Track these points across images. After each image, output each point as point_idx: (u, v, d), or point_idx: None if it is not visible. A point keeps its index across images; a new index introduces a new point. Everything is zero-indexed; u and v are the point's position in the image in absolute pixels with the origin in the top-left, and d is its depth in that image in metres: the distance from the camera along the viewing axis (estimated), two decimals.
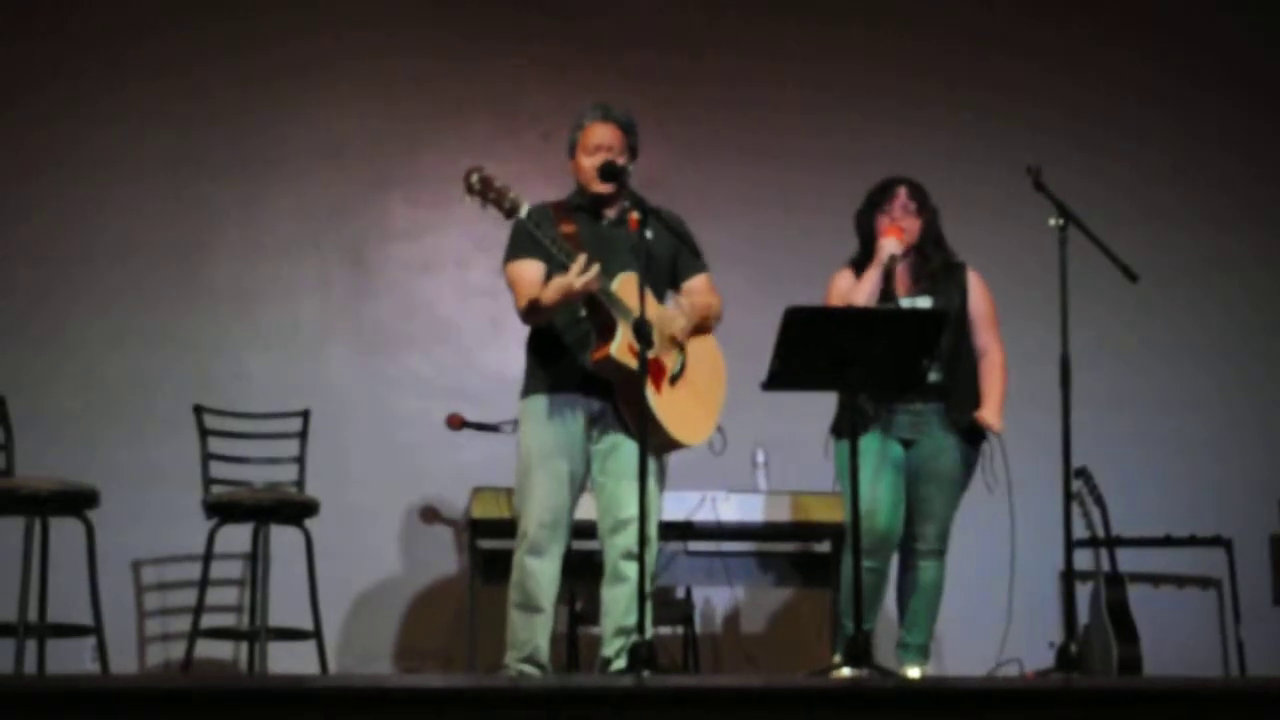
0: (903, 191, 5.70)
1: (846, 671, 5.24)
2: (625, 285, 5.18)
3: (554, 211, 5.37)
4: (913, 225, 5.68)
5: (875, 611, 5.66)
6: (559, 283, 5.11)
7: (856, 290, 5.60)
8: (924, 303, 5.66)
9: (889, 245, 5.61)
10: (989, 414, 5.65)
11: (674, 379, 5.32)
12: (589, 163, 5.32)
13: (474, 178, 5.11)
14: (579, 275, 5.06)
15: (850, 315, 5.40)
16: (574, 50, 7.49)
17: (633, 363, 5.06)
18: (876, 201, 5.72)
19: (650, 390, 5.14)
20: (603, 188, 5.32)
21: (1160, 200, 7.72)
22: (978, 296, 5.74)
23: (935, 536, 5.69)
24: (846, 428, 5.43)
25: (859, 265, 5.72)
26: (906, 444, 5.63)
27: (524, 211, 5.12)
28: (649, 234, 5.12)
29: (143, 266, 7.13)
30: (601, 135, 5.34)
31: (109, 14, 7.26)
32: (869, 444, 5.50)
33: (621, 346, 5.13)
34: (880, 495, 5.53)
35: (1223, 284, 7.75)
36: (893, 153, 6.99)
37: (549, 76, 7.41)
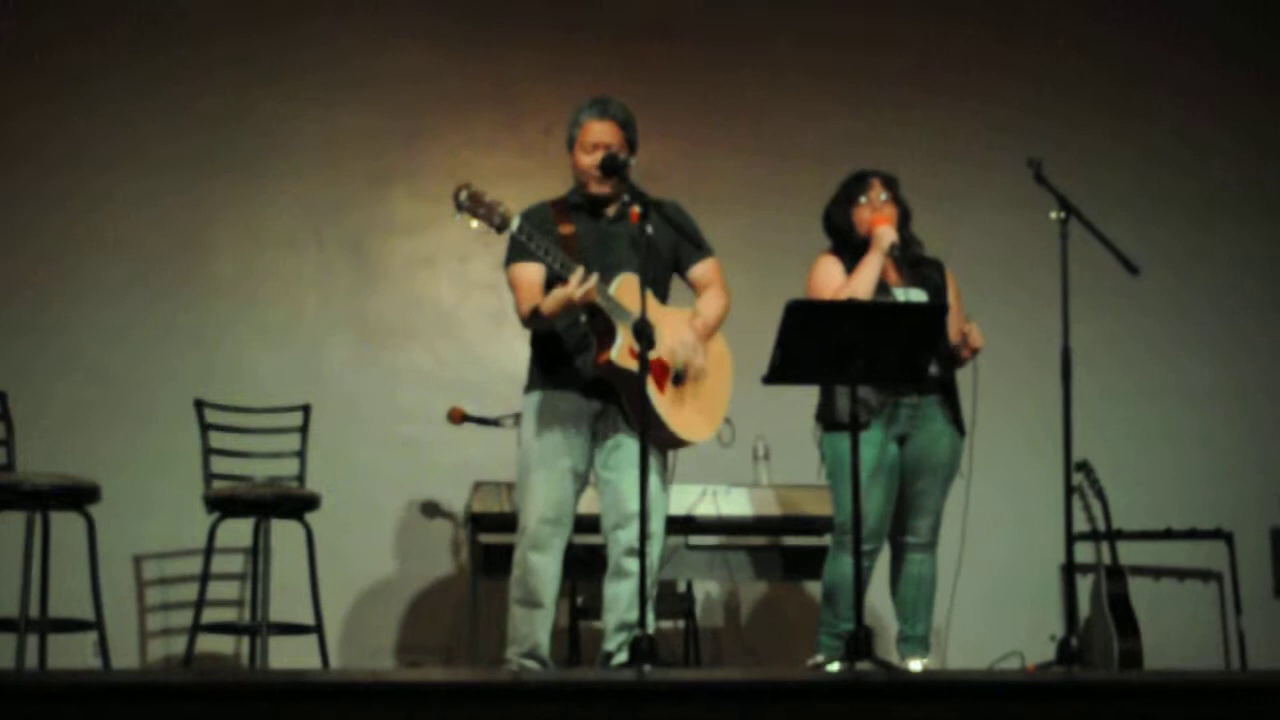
0: (877, 182, 5.70)
1: (835, 667, 5.24)
2: (624, 287, 5.18)
3: (552, 211, 5.36)
4: (893, 213, 5.67)
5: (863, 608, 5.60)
6: (558, 294, 5.10)
7: (858, 280, 5.55)
8: (917, 294, 5.65)
9: (888, 234, 5.59)
10: (968, 326, 5.62)
11: (678, 377, 5.32)
12: (588, 161, 5.31)
13: (463, 194, 5.05)
14: (578, 286, 5.05)
15: (851, 309, 5.38)
16: (575, 44, 7.49)
17: (634, 365, 5.06)
18: (852, 193, 5.71)
19: (653, 390, 5.14)
20: (601, 187, 5.31)
21: (1162, 193, 7.72)
22: (953, 295, 5.73)
23: (928, 529, 5.67)
24: (845, 419, 5.41)
25: (840, 255, 5.70)
26: (901, 439, 5.61)
27: (515, 224, 5.09)
28: (649, 229, 5.11)
29: (144, 261, 7.13)
30: (599, 133, 5.32)
31: (110, 8, 7.25)
32: (869, 441, 5.47)
33: (622, 350, 5.13)
34: (874, 494, 5.50)
35: (1225, 277, 7.75)
36: (894, 145, 7.02)
37: (550, 70, 7.40)
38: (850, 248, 5.67)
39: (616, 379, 5.19)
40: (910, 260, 5.70)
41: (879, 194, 5.68)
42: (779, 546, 6.88)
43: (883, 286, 5.60)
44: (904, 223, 5.71)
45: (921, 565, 5.68)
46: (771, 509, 6.51)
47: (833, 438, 5.59)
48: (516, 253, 5.27)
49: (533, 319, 5.24)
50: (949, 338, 5.61)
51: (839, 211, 5.73)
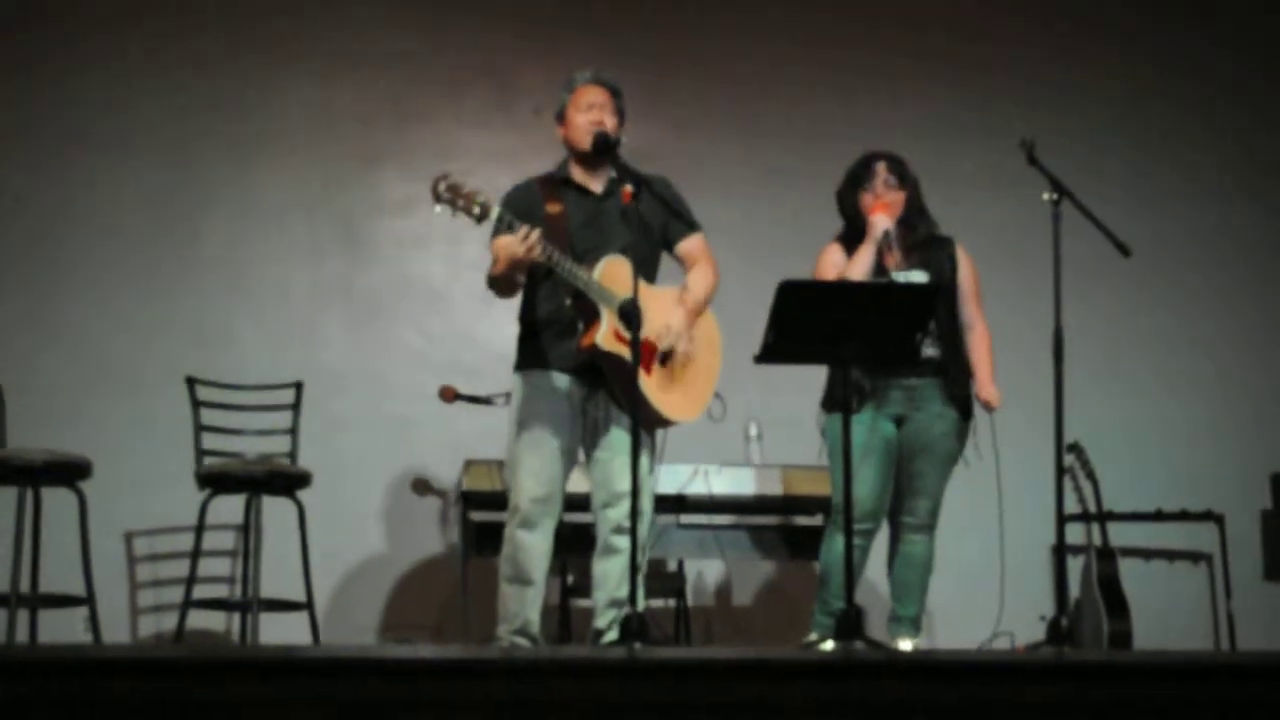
0: (882, 166, 5.71)
1: (829, 645, 5.25)
2: (609, 270, 5.16)
3: (540, 188, 5.33)
4: (897, 199, 5.69)
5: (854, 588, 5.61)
6: (503, 251, 5.09)
7: (851, 267, 5.61)
8: (917, 275, 5.67)
9: (881, 222, 5.62)
10: (989, 392, 5.66)
11: (665, 358, 5.30)
12: (584, 119, 5.30)
13: (441, 186, 5.02)
14: (522, 243, 5.01)
15: (843, 290, 5.40)
16: (566, 24, 7.48)
17: (619, 349, 5.06)
18: (858, 179, 5.73)
19: (639, 371, 5.13)
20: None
21: (1156, 175, 7.72)
22: (966, 270, 5.77)
23: (926, 512, 5.69)
24: (839, 402, 5.43)
25: (847, 242, 5.72)
26: (899, 420, 5.62)
27: (495, 214, 5.06)
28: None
29: (136, 239, 7.12)
30: (594, 95, 5.33)
31: None
32: (860, 422, 5.48)
33: (607, 334, 5.12)
34: (866, 475, 5.52)
35: (1217, 259, 7.76)
36: (885, 126, 7.01)
37: (541, 50, 7.39)
38: (857, 232, 5.70)
39: (603, 362, 5.18)
40: (918, 241, 5.71)
41: (882, 179, 5.69)
42: (770, 526, 6.89)
43: (881, 270, 5.63)
44: (914, 198, 5.72)
45: (917, 546, 5.70)
46: (764, 489, 6.52)
47: (834, 419, 5.61)
48: (499, 230, 5.26)
49: (490, 285, 5.26)
50: (961, 322, 5.64)
51: (847, 197, 5.76)
